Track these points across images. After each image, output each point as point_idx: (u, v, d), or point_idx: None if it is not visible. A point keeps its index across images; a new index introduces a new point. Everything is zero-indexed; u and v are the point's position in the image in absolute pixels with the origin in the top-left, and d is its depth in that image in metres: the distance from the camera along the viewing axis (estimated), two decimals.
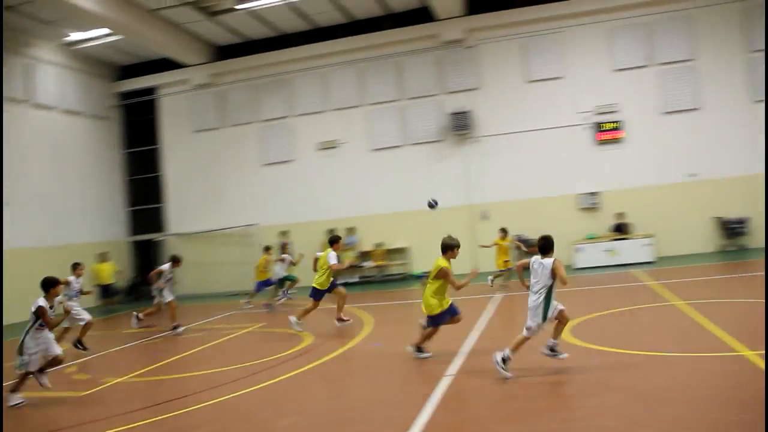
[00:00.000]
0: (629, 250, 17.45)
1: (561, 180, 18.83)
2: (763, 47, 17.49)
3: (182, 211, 21.62)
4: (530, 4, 18.92)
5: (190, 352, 9.92)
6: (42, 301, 7.10)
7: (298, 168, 20.78)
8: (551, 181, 18.90)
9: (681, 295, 10.66)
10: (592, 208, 18.63)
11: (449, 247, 7.37)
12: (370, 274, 19.39)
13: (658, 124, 18.41)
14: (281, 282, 15.45)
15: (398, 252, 19.70)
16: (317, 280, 10.34)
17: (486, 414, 5.56)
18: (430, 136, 19.74)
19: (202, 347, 10.36)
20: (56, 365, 7.49)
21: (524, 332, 6.44)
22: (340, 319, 10.60)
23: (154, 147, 22.11)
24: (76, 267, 10.82)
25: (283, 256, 15.69)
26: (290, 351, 9.10)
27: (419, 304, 7.66)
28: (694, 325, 6.95)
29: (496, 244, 15.05)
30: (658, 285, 12.55)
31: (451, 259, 7.43)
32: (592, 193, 18.72)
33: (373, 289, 17.80)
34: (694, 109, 18.19)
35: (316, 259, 10.63)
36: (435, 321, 7.48)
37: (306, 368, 7.94)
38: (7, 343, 10.49)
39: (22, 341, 7.12)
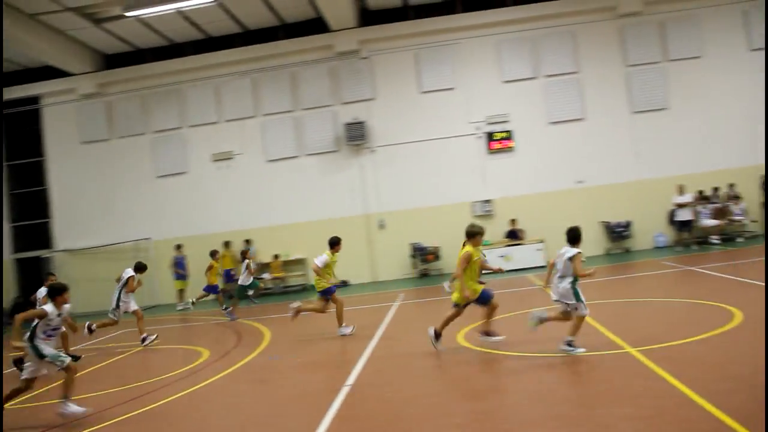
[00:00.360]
0: (523, 256, 18.11)
1: (456, 188, 19.37)
2: (639, 62, 18.79)
3: (70, 225, 20.81)
4: (423, 17, 19.48)
5: (79, 373, 9.51)
6: None
7: (193, 180, 20.46)
8: (447, 190, 19.40)
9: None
10: (486, 215, 19.23)
11: (472, 235, 7.70)
12: (268, 286, 19.26)
13: (546, 134, 19.28)
14: (242, 290, 15.12)
15: (296, 263, 19.69)
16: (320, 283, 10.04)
17: (384, 422, 5.62)
18: (326, 147, 19.91)
19: (93, 368, 9.99)
20: None
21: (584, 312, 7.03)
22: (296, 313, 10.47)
23: (38, 159, 21.22)
24: None
25: (247, 262, 15.09)
26: (186, 368, 8.94)
27: (318, 316, 7.74)
28: (583, 326, 7.26)
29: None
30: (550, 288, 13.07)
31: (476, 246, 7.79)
32: (486, 201, 19.36)
33: (273, 301, 17.69)
34: (579, 119, 19.18)
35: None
36: (483, 299, 7.82)
37: (202, 385, 7.81)
38: None
39: None
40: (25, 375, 6.88)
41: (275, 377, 8.07)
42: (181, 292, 18.73)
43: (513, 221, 18.88)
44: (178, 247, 19.27)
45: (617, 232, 18.98)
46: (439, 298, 13.05)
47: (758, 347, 6.16)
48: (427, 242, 19.06)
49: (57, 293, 7.04)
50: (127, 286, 11.55)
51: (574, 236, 7.10)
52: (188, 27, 19.34)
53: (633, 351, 6.83)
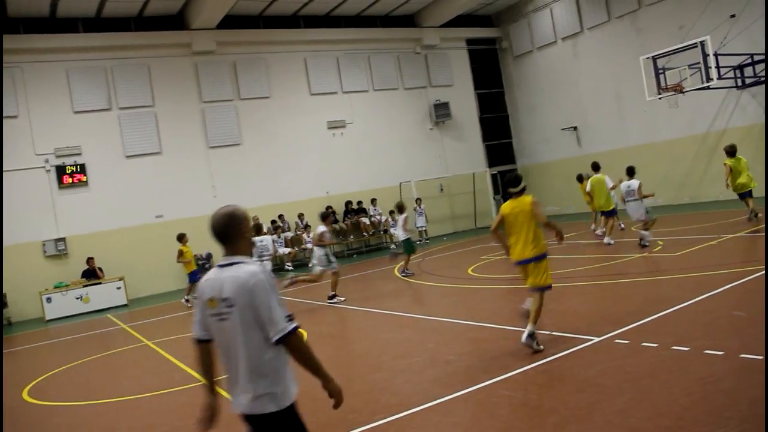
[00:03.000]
0: (102, 295, 18.86)
1: (25, 226, 19.24)
2: (213, 99, 21.12)
3: None
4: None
5: None
6: None
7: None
8: (15, 228, 19.18)
9: (149, 335, 11.92)
10: (59, 255, 19.64)
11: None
12: None
13: (123, 168, 20.45)
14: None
15: None
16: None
17: None
18: None
19: None
20: None
21: None
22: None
23: None
24: None
25: None
26: None
27: None
28: (165, 363, 7.97)
29: None
30: (130, 327, 13.82)
31: None
32: (59, 239, 19.80)
33: None
34: (156, 153, 20.81)
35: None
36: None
37: None
38: None
39: None
40: None
41: None
42: None
43: (90, 259, 19.61)
44: None
45: (200, 265, 20.97)
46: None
47: (349, 364, 7.55)
48: None
49: None
50: None
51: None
52: None
53: None
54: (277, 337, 3.08)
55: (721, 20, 18.89)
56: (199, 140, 21.13)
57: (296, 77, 22.78)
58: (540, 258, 6.67)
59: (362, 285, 14.87)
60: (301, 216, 21.62)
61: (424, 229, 23.21)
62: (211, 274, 3.32)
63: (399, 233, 14.82)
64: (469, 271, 13.87)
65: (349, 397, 5.33)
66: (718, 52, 16.81)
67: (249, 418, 3.20)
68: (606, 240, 14.16)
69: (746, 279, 8.24)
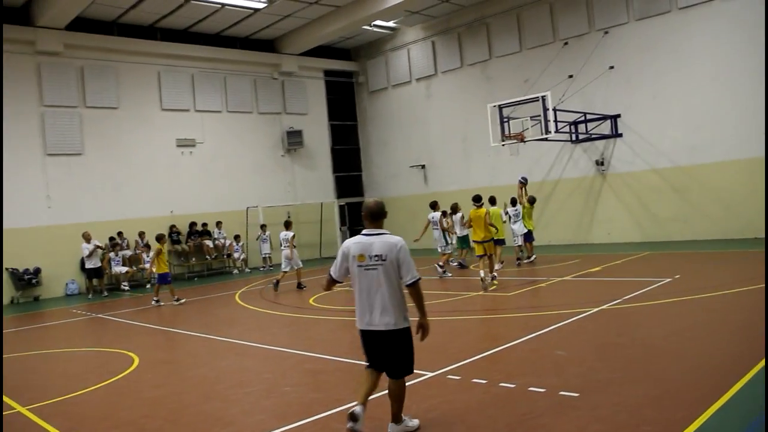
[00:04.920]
0: None
1: None
2: (56, 104, 20.86)
3: None
4: None
5: None
6: None
7: None
8: None
9: None
10: None
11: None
12: None
13: None
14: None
15: None
16: None
17: None
18: None
19: None
20: None
21: None
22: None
23: None
24: None
25: None
26: None
27: None
28: None
29: None
30: None
31: None
32: None
33: None
34: None
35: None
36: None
37: None
38: None
39: None
40: None
41: None
42: None
43: None
44: None
45: (25, 280, 20.49)
46: None
47: (182, 393, 7.71)
48: None
49: None
50: None
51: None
52: None
53: (24, 410, 7.17)
54: (410, 282, 5.23)
55: (561, 79, 21.90)
56: (36, 146, 20.80)
57: (148, 90, 23.11)
58: (488, 240, 14.22)
59: (201, 310, 15.28)
60: (141, 234, 21.86)
61: (268, 255, 24.23)
62: (358, 239, 5.37)
63: (458, 230, 17.85)
64: (311, 301, 14.72)
65: (178, 427, 6.50)
66: (556, 108, 19.14)
67: (380, 334, 5.31)
68: (497, 266, 15.66)
69: (568, 321, 9.52)
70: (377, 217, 5.44)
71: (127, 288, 20.84)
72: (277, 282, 16.95)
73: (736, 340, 7.91)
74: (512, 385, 6.51)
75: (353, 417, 5.17)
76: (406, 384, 5.59)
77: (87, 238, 19.90)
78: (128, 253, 21.66)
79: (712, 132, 19.32)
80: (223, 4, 21.84)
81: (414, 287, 5.27)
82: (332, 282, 5.56)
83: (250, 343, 10.58)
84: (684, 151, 19.94)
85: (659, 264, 16.06)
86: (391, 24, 26.72)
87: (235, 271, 24.01)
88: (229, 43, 25.32)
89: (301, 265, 17.62)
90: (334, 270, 5.48)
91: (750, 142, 18.53)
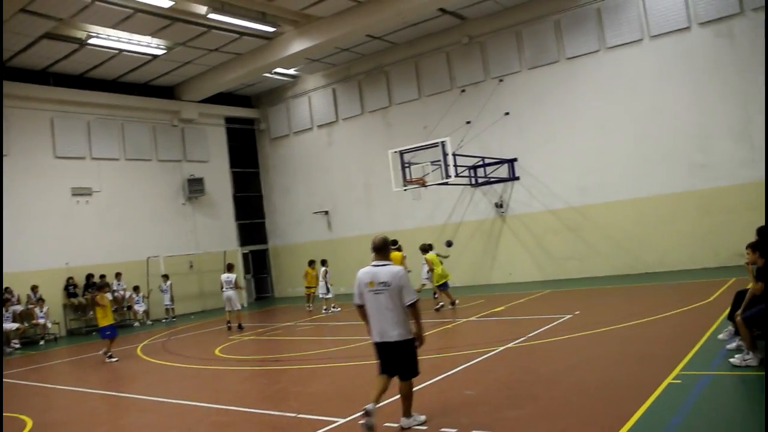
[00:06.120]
0: None
1: None
2: None
3: None
4: None
5: None
6: None
7: None
8: None
9: None
10: None
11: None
12: None
13: None
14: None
15: None
16: None
17: None
18: None
19: None
20: None
21: None
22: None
23: None
24: None
25: None
26: None
27: None
28: None
29: None
30: None
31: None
32: None
33: None
34: None
35: None
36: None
37: None
38: None
39: None
40: None
41: None
42: None
43: None
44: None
45: None
46: None
47: None
48: None
49: None
50: None
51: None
52: None
53: None
54: (410, 302, 6.54)
55: (459, 125, 22.84)
56: None
57: (40, 137, 22.30)
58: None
59: (101, 366, 14.60)
60: (34, 288, 20.87)
61: (170, 307, 23.62)
62: (368, 269, 6.68)
63: (423, 274, 18.35)
64: (217, 351, 14.48)
65: None
66: (456, 153, 19.90)
67: (390, 344, 6.59)
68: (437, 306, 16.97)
69: (475, 360, 9.80)
70: (381, 250, 6.74)
71: (18, 346, 19.72)
72: (239, 325, 17.95)
73: (633, 371, 8.35)
74: (424, 427, 6.65)
75: (367, 413, 6.26)
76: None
77: None
78: (19, 308, 20.55)
79: (601, 175, 20.64)
80: (120, 50, 21.56)
81: (413, 307, 6.59)
82: (359, 308, 6.86)
83: (153, 398, 10.30)
84: (575, 192, 21.16)
85: (559, 301, 16.83)
86: (291, 71, 27.09)
87: (136, 323, 23.21)
88: (127, 90, 24.92)
89: (239, 308, 18.22)
90: (354, 299, 6.84)
91: (634, 183, 19.98)
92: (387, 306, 6.54)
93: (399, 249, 17.61)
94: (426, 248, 17.79)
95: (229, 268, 18.74)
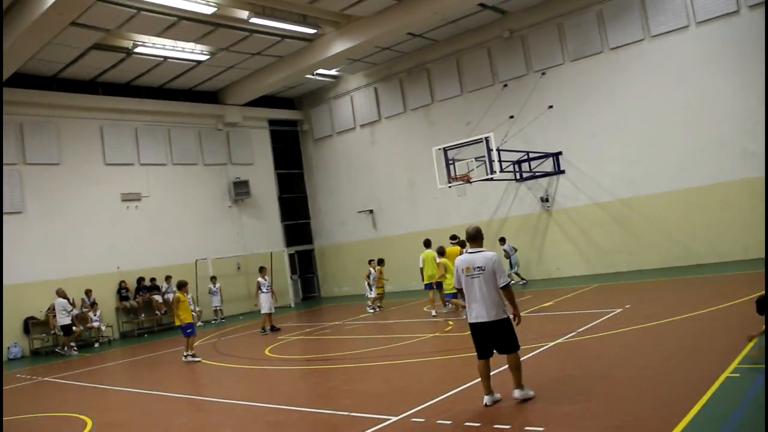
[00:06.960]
0: None
1: None
2: None
3: None
4: None
5: None
6: None
7: None
8: None
9: None
10: None
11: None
12: None
13: None
14: None
15: None
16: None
17: None
18: None
19: None
20: None
21: None
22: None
23: None
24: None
25: None
26: None
27: None
28: None
29: None
30: None
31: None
32: None
33: None
34: None
35: None
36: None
37: None
38: None
39: None
40: None
41: None
42: None
43: None
44: None
45: None
46: None
47: None
48: None
49: None
50: None
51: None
52: None
53: None
54: (503, 285, 7.19)
55: (502, 120, 22.66)
56: None
57: (90, 145, 22.89)
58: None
59: (154, 367, 15.03)
60: (88, 292, 21.42)
61: (219, 308, 23.97)
62: (465, 257, 7.42)
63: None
64: (267, 351, 14.61)
65: None
66: (500, 148, 19.71)
67: (487, 324, 7.20)
68: (433, 312, 16.76)
69: (526, 357, 9.18)
70: (475, 239, 7.42)
71: (76, 350, 20.20)
72: (272, 327, 18.21)
73: (688, 365, 8.23)
74: (478, 424, 6.58)
75: (486, 405, 7.10)
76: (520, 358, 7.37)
77: (63, 294, 19.52)
78: (75, 311, 21.07)
79: (648, 166, 20.24)
80: (166, 58, 21.96)
81: (506, 289, 7.22)
82: (459, 290, 7.54)
83: (207, 398, 10.42)
84: (623, 184, 20.80)
85: (608, 295, 16.59)
86: (333, 72, 27.23)
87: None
88: (173, 96, 25.39)
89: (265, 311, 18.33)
90: (455, 283, 7.55)
91: (683, 173, 19.54)
92: (482, 288, 7.15)
93: (461, 244, 17.45)
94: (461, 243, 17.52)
95: (261, 270, 19.16)
